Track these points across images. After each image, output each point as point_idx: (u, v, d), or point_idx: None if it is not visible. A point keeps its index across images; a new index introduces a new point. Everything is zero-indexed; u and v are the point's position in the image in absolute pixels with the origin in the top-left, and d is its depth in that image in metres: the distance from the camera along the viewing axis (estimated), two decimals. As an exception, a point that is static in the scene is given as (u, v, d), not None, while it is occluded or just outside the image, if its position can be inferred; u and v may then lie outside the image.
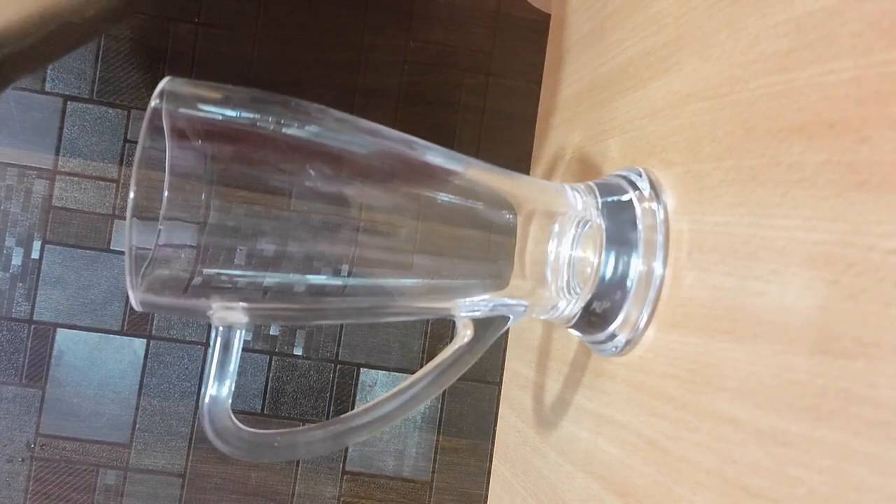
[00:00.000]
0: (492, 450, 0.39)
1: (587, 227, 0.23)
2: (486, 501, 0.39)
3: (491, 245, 0.22)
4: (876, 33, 0.14)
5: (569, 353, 0.28)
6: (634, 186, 0.22)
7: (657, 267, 0.21)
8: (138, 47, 0.38)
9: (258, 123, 0.20)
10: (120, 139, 0.38)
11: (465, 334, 0.22)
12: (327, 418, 0.39)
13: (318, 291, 0.21)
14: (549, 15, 0.40)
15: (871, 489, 0.13)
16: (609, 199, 0.23)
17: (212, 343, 0.20)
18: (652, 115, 0.23)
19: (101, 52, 0.38)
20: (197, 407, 0.38)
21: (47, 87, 0.38)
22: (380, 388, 0.39)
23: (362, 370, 0.39)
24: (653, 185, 0.22)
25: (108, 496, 0.37)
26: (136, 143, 0.19)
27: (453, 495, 0.39)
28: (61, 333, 0.38)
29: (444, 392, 0.38)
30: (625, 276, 0.22)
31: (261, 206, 0.19)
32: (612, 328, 0.22)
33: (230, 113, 0.20)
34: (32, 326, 0.38)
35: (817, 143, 0.15)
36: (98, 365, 0.38)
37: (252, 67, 0.39)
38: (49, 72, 0.38)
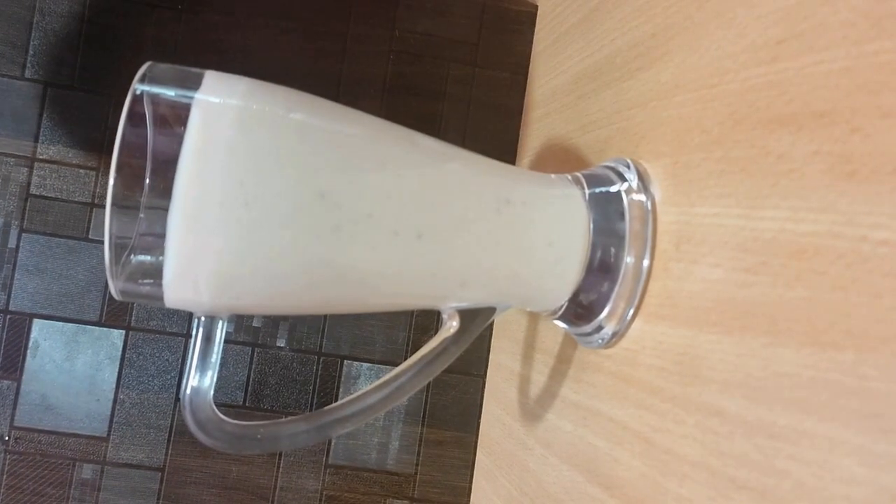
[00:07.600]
0: (476, 442, 0.39)
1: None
2: (470, 494, 0.39)
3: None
4: (867, 22, 0.14)
5: (554, 345, 0.28)
6: (622, 178, 0.22)
7: (645, 258, 0.21)
8: (121, 34, 0.38)
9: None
10: (101, 126, 0.37)
11: (450, 325, 0.22)
12: (310, 411, 0.39)
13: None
14: (537, 6, 0.40)
15: (860, 482, 0.13)
16: (597, 190, 0.23)
17: (194, 333, 0.20)
18: (640, 106, 0.23)
19: (82, 39, 0.37)
20: (177, 400, 0.38)
21: (27, 74, 0.37)
22: (364, 381, 0.39)
23: (346, 362, 0.39)
24: (641, 177, 0.22)
25: (85, 491, 0.37)
26: (116, 130, 0.18)
27: (437, 488, 0.39)
28: (38, 324, 0.37)
29: (428, 384, 0.38)
30: (612, 267, 0.22)
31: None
32: (598, 320, 0.22)
33: (214, 99, 0.20)
34: (8, 317, 0.37)
35: (807, 134, 0.15)
36: (75, 356, 0.37)
37: (235, 55, 0.38)
38: (29, 58, 0.37)
